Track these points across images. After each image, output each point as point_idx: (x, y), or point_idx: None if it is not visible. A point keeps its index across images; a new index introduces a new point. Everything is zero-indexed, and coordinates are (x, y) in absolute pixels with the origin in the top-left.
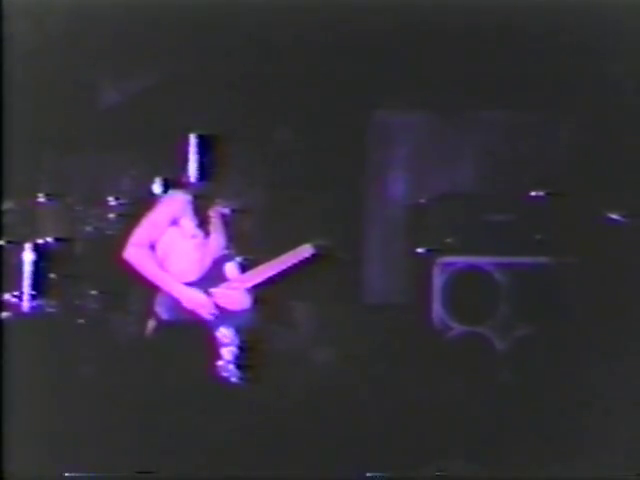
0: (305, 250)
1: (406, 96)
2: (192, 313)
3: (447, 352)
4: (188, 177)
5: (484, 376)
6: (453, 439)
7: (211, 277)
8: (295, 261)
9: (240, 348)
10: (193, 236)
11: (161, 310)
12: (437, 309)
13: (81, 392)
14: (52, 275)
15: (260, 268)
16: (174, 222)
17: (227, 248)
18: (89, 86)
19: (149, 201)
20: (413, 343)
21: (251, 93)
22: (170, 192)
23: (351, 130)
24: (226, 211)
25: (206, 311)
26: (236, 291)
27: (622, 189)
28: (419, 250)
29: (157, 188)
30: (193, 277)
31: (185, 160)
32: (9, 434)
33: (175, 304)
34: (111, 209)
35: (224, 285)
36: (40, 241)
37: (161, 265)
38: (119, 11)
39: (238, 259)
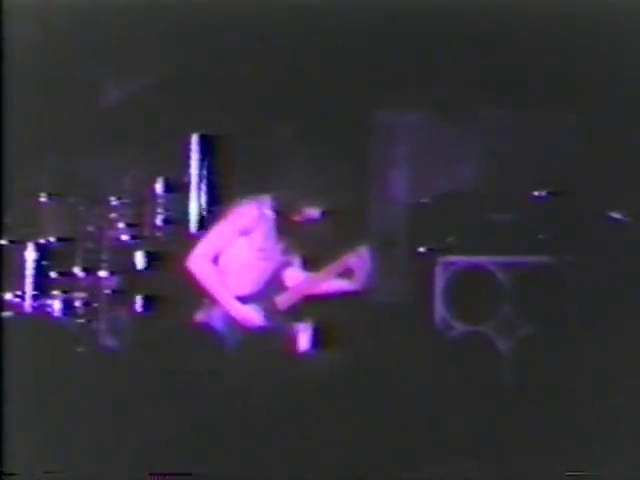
0: (362, 252)
1: (408, 96)
2: (246, 328)
3: (449, 351)
4: (190, 177)
5: (486, 375)
6: (454, 439)
7: (270, 286)
8: (352, 264)
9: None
10: (261, 250)
11: (215, 322)
12: (439, 308)
13: (82, 392)
14: (54, 275)
15: (322, 272)
16: (244, 233)
17: (285, 254)
18: (90, 86)
19: (151, 201)
20: (415, 342)
21: (251, 93)
22: (244, 202)
23: (352, 130)
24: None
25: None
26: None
27: (624, 189)
28: (421, 249)
29: (160, 188)
30: (253, 288)
31: (187, 160)
32: (9, 434)
33: (229, 319)
34: (113, 209)
35: (287, 293)
36: (42, 241)
37: (221, 274)
38: (120, 10)
39: (297, 264)
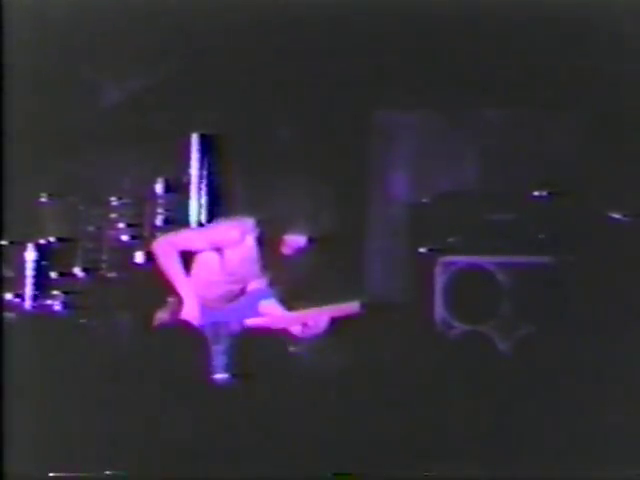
0: (353, 307)
1: (408, 95)
2: (186, 323)
3: (449, 351)
4: (190, 177)
5: (486, 375)
6: (453, 439)
7: (243, 307)
8: (341, 315)
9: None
10: (230, 274)
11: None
12: (439, 308)
13: (82, 393)
14: (54, 275)
15: (306, 313)
16: (217, 249)
17: (260, 281)
18: (90, 85)
19: (151, 201)
20: (414, 342)
21: (251, 93)
22: (229, 220)
23: (352, 130)
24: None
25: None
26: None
27: (624, 189)
28: (421, 249)
29: (160, 188)
30: (214, 295)
31: (187, 159)
32: (9, 434)
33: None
34: (113, 209)
35: (265, 320)
36: (42, 241)
37: (188, 274)
38: (119, 10)
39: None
